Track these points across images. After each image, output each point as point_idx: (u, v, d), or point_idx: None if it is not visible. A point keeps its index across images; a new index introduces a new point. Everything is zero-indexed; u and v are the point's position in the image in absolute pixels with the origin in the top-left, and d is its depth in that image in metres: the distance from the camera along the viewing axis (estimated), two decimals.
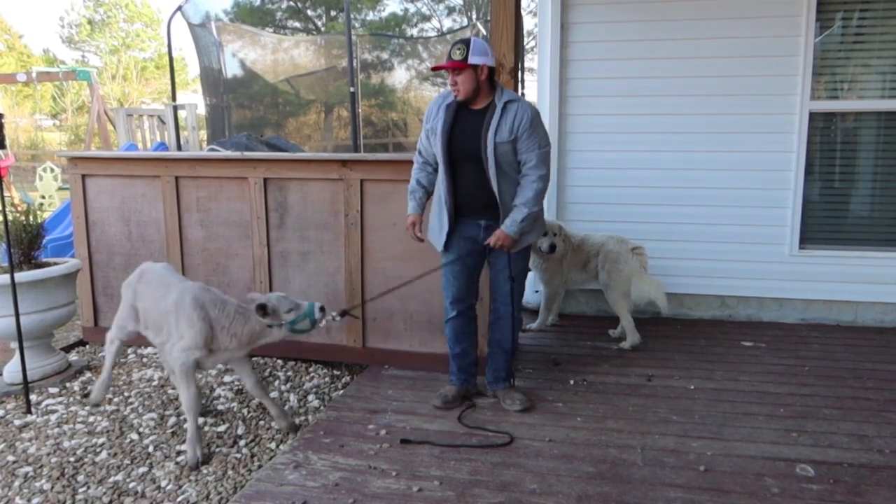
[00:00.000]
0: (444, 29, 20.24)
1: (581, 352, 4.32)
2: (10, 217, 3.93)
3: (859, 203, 4.90)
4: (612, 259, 4.33)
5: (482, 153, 3.12)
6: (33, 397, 3.81)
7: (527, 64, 12.99)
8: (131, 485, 2.88)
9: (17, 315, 3.66)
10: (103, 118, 13.23)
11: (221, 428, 3.40)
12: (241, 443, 3.25)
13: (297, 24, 20.22)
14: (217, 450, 3.17)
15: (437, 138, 3.21)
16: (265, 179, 4.10)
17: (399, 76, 14.22)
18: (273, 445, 3.23)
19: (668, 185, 4.89)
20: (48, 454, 3.16)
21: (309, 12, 20.15)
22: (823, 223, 4.89)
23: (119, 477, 2.94)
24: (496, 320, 3.47)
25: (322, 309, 3.07)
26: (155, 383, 3.98)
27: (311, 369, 4.20)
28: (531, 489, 2.69)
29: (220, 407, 3.65)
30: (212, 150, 7.79)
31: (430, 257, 3.79)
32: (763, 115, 4.71)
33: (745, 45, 4.66)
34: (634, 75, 4.83)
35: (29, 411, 3.64)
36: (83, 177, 4.46)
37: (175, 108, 10.55)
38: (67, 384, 4.00)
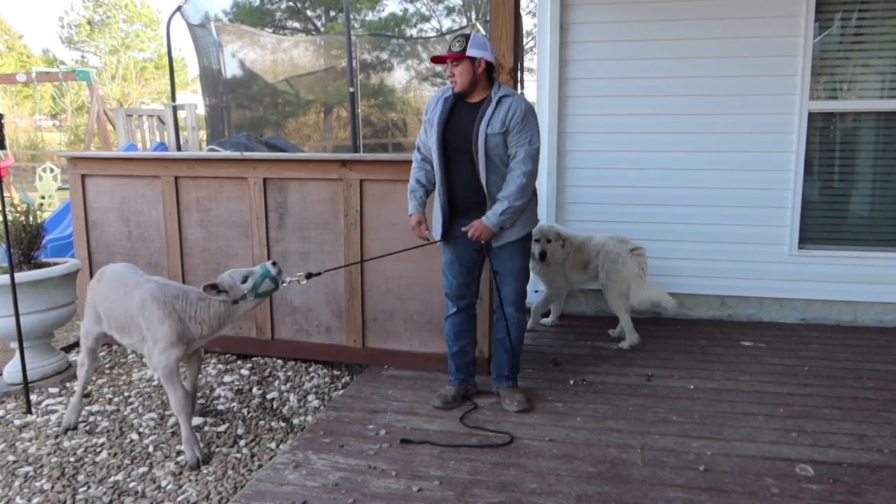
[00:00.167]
0: (444, 29, 20.25)
1: (581, 352, 4.32)
2: (9, 217, 3.93)
3: (859, 203, 4.91)
4: (611, 260, 4.33)
5: (473, 145, 3.14)
6: (33, 397, 3.81)
7: (526, 64, 12.99)
8: (131, 485, 2.88)
9: (17, 315, 3.66)
10: (103, 118, 13.23)
11: (221, 428, 3.40)
12: (241, 443, 3.25)
13: (296, 25, 20.22)
14: (217, 450, 3.17)
15: (434, 129, 3.25)
16: (265, 179, 4.10)
17: (398, 76, 14.23)
18: (273, 445, 3.23)
19: (668, 186, 4.90)
20: (48, 454, 3.16)
21: (308, 12, 20.15)
22: (823, 223, 4.89)
23: (119, 477, 2.94)
24: (498, 319, 3.47)
25: (275, 263, 3.07)
26: (155, 383, 3.98)
27: (311, 369, 4.20)
28: (531, 489, 2.69)
29: (220, 407, 3.65)
30: (211, 150, 7.78)
31: (431, 256, 3.79)
32: (762, 115, 4.72)
33: (744, 45, 4.66)
34: (633, 75, 4.83)
35: (29, 411, 3.64)
36: (83, 177, 4.46)
37: (174, 109, 10.55)
38: (67, 384, 4.00)
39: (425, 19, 20.37)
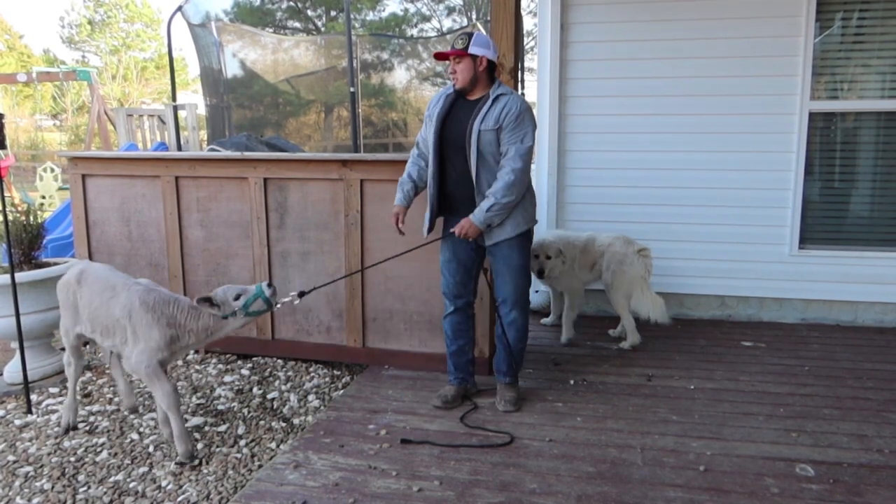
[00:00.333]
0: (444, 29, 20.24)
1: (581, 352, 4.32)
2: (10, 217, 3.93)
3: (859, 203, 4.91)
4: (617, 260, 4.32)
5: (466, 140, 3.16)
6: (34, 397, 3.82)
7: (527, 64, 12.99)
8: (132, 484, 2.88)
9: (17, 315, 3.66)
10: (103, 118, 13.23)
11: (221, 428, 3.40)
12: (242, 442, 3.25)
13: (297, 25, 20.22)
14: (217, 450, 3.18)
15: (432, 124, 3.28)
16: (265, 179, 4.10)
17: (399, 76, 14.22)
18: (273, 445, 3.23)
19: (668, 186, 4.90)
20: (49, 454, 3.16)
21: (309, 12, 20.15)
22: (823, 223, 4.89)
23: (119, 477, 2.95)
24: (499, 316, 3.47)
25: (270, 285, 3.08)
26: None
27: (311, 369, 4.20)
28: (531, 489, 2.69)
29: (220, 407, 3.65)
30: (212, 150, 7.79)
31: (431, 256, 3.79)
32: (763, 115, 4.72)
33: (744, 45, 4.66)
34: (634, 75, 4.83)
35: (29, 411, 3.65)
36: (83, 177, 4.46)
37: (175, 109, 10.54)
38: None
39: (426, 19, 20.38)
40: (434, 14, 20.68)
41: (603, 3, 4.83)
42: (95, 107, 13.24)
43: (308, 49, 13.79)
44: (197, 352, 4.43)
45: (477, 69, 3.16)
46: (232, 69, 12.47)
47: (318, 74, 13.14)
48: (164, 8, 35.30)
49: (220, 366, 4.26)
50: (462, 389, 3.55)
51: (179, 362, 4.32)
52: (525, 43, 13.22)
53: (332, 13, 20.00)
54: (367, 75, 13.62)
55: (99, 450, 3.19)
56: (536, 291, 4.98)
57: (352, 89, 10.28)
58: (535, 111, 5.24)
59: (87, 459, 3.11)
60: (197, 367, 4.25)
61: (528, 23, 13.89)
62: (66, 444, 3.26)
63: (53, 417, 3.55)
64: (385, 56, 14.05)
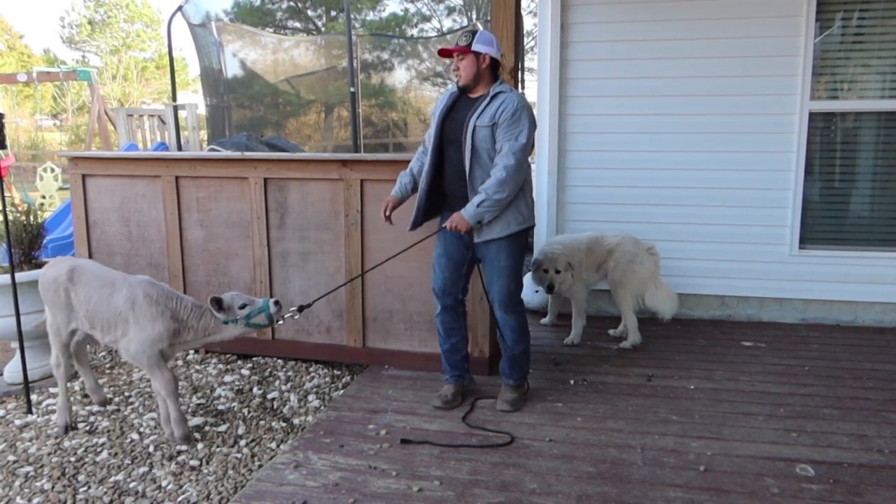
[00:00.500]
0: (444, 29, 20.24)
1: (581, 352, 4.32)
2: (10, 217, 3.93)
3: (859, 203, 4.91)
4: (628, 260, 4.32)
5: (462, 136, 3.18)
6: (34, 397, 3.82)
7: (527, 64, 12.98)
8: (132, 484, 2.88)
9: (17, 315, 3.66)
10: (104, 118, 13.23)
11: (222, 428, 3.40)
12: (242, 442, 3.25)
13: (297, 25, 20.21)
14: (217, 449, 3.18)
15: (435, 120, 3.32)
16: (265, 179, 4.10)
17: (399, 76, 14.22)
18: (273, 445, 3.23)
19: (668, 186, 4.90)
20: (49, 454, 3.16)
21: (309, 12, 20.15)
22: (823, 223, 4.89)
23: (119, 477, 2.95)
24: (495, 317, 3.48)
25: (277, 303, 3.15)
26: None
27: (311, 369, 4.20)
28: (531, 489, 2.69)
29: (220, 407, 3.65)
30: (212, 150, 7.79)
31: (431, 256, 3.79)
32: (763, 115, 4.72)
33: (744, 45, 4.66)
34: (634, 75, 4.83)
35: (30, 411, 3.65)
36: (83, 177, 4.46)
37: (175, 108, 10.55)
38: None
39: (426, 19, 20.36)
40: (434, 14, 20.68)
41: (603, 3, 4.83)
42: (95, 107, 13.25)
43: (308, 49, 13.79)
44: (197, 352, 4.43)
45: (480, 66, 3.18)
46: (232, 69, 12.47)
47: (319, 74, 13.14)
48: (164, 8, 35.33)
49: (220, 366, 4.26)
50: (459, 386, 3.55)
51: (179, 362, 4.32)
52: (525, 43, 13.21)
53: (332, 13, 20.00)
54: (368, 75, 13.62)
55: (99, 450, 3.19)
56: (536, 291, 4.97)
57: (352, 89, 10.28)
58: (535, 111, 5.25)
59: (87, 459, 3.11)
60: (197, 367, 4.25)
61: (528, 23, 13.89)
62: (67, 444, 3.26)
63: (54, 417, 3.55)
64: (385, 56, 14.05)
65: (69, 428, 3.40)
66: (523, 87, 8.44)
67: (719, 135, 4.79)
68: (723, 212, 4.86)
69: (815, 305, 4.92)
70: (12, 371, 3.99)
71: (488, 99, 3.18)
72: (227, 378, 4.05)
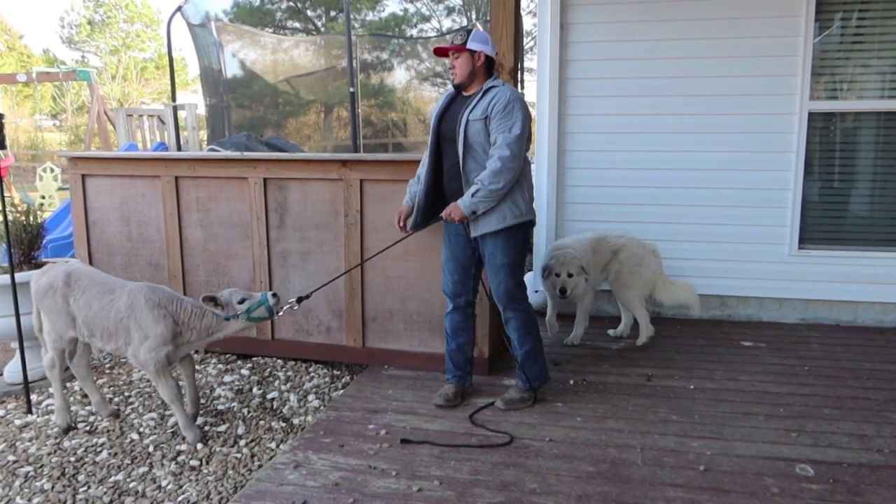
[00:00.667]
0: (444, 29, 20.23)
1: (581, 352, 4.32)
2: (10, 217, 3.93)
3: (859, 203, 4.91)
4: (635, 261, 4.32)
5: (456, 131, 3.20)
6: (34, 397, 3.82)
7: (526, 64, 12.98)
8: (132, 484, 2.88)
9: (17, 315, 3.66)
10: (103, 118, 13.23)
11: (221, 428, 3.40)
12: (242, 442, 3.25)
13: (296, 25, 20.21)
14: (217, 450, 3.18)
15: (432, 121, 3.35)
16: (265, 179, 4.10)
17: (399, 76, 14.22)
18: (273, 445, 3.23)
19: (668, 186, 4.90)
20: (49, 454, 3.16)
21: (309, 12, 20.14)
22: (823, 223, 4.89)
23: (119, 477, 2.95)
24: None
25: (275, 295, 3.20)
26: None
27: (311, 369, 4.20)
28: (531, 489, 2.69)
29: (220, 407, 3.65)
30: (212, 150, 7.78)
31: (431, 256, 3.80)
32: (762, 115, 4.72)
33: (744, 45, 4.66)
34: (634, 75, 4.83)
35: (29, 411, 3.65)
36: (83, 177, 4.46)
37: (175, 109, 10.54)
38: (68, 384, 4.00)
39: (426, 19, 20.36)
40: (434, 14, 20.67)
41: (603, 3, 4.83)
42: (95, 107, 13.24)
43: (308, 49, 13.79)
44: (197, 352, 4.43)
45: (475, 64, 3.21)
46: (232, 69, 12.47)
47: (318, 74, 13.14)
48: (164, 8, 35.33)
49: (220, 366, 4.26)
50: (460, 387, 3.56)
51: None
52: (525, 43, 13.22)
53: (332, 13, 19.99)
54: (367, 75, 13.62)
55: (99, 450, 3.19)
56: (536, 291, 4.97)
57: (351, 89, 10.28)
58: (534, 111, 5.25)
59: (87, 459, 3.11)
60: (197, 367, 4.24)
61: (527, 23, 13.89)
62: (66, 444, 3.26)
63: (54, 417, 3.55)
64: (385, 56, 14.05)
65: (70, 428, 3.39)
66: (523, 87, 8.45)
67: (719, 135, 4.79)
68: (722, 212, 4.87)
69: (815, 305, 4.93)
70: (12, 371, 3.99)
71: (481, 94, 3.21)
72: (227, 378, 4.05)
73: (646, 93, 4.83)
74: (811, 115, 4.68)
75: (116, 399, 3.77)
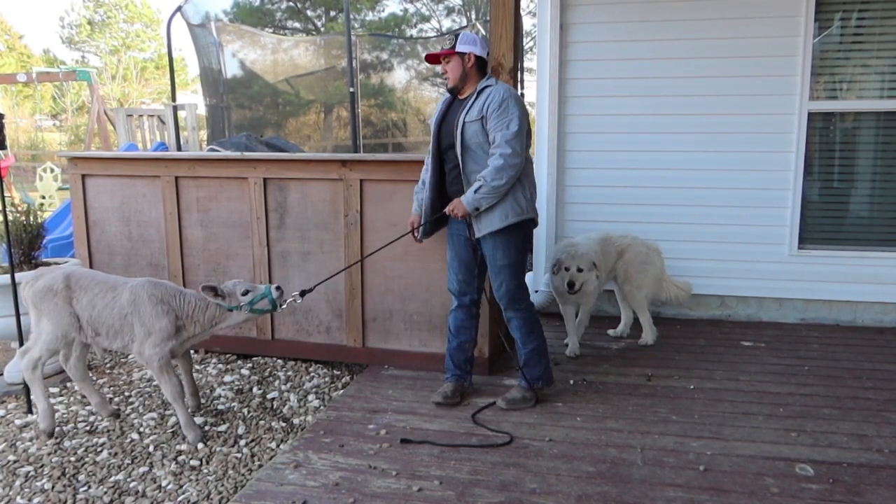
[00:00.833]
0: (444, 29, 20.24)
1: (581, 352, 4.32)
2: (10, 217, 3.93)
3: (858, 203, 4.91)
4: (640, 260, 4.34)
5: (454, 134, 3.21)
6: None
7: (526, 64, 12.99)
8: (132, 484, 2.88)
9: (17, 315, 3.66)
10: (103, 118, 13.23)
11: (222, 428, 3.40)
12: (242, 442, 3.25)
13: (296, 25, 20.21)
14: (217, 449, 3.18)
15: (432, 128, 3.36)
16: (265, 179, 4.10)
17: (398, 76, 14.22)
18: (273, 445, 3.23)
19: (668, 185, 4.90)
20: (49, 454, 3.16)
21: (308, 13, 20.14)
22: (823, 223, 4.90)
23: (120, 476, 2.95)
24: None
25: (278, 288, 3.22)
26: (155, 383, 3.98)
27: (311, 369, 4.20)
28: (531, 489, 2.69)
29: (220, 407, 3.65)
30: (212, 150, 7.78)
31: (431, 256, 3.80)
32: (762, 115, 4.72)
33: (744, 45, 4.67)
34: (633, 75, 4.83)
35: (30, 411, 3.65)
36: (83, 177, 4.46)
37: (175, 109, 10.54)
38: (68, 384, 4.00)
39: (425, 19, 20.37)
40: (433, 14, 20.68)
41: (603, 4, 4.83)
42: (95, 107, 13.24)
43: (308, 49, 13.78)
44: (197, 352, 4.43)
45: (465, 66, 3.23)
46: (232, 69, 12.46)
47: (318, 74, 13.13)
48: (164, 8, 35.29)
49: (220, 366, 4.26)
50: (459, 386, 3.56)
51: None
52: (525, 43, 13.22)
53: (332, 13, 19.99)
54: (367, 75, 13.62)
55: (99, 449, 3.19)
56: (536, 291, 4.98)
57: (351, 89, 10.28)
58: (534, 111, 5.26)
59: (87, 459, 3.11)
60: (197, 367, 4.25)
61: (527, 23, 13.89)
62: (67, 443, 3.26)
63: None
64: (385, 56, 14.05)
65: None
66: (523, 88, 8.44)
67: (718, 135, 4.80)
68: (722, 212, 4.87)
69: (814, 305, 4.93)
70: (12, 371, 3.99)
71: (475, 95, 3.22)
72: (227, 378, 4.05)
73: (646, 93, 4.83)
74: (811, 115, 4.68)
75: (117, 399, 3.77)
